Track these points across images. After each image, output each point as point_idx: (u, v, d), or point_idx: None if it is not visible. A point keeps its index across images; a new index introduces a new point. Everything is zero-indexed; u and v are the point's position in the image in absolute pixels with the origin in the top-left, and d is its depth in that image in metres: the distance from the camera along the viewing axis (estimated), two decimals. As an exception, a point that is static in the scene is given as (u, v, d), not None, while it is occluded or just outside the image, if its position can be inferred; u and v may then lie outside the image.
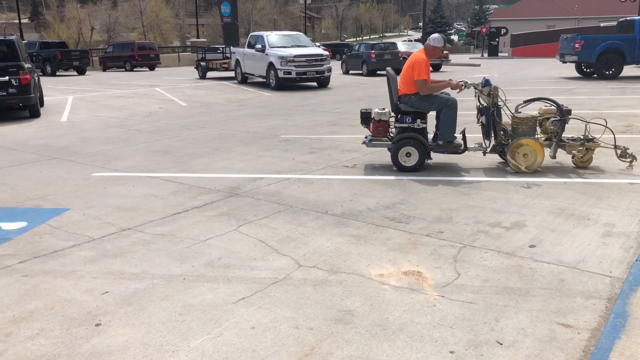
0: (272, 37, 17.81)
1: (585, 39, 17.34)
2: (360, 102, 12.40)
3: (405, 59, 24.40)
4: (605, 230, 3.97)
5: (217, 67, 21.94)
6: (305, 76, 16.38)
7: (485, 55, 42.19)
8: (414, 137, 5.76)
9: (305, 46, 17.64)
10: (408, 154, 5.80)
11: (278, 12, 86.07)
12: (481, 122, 5.91)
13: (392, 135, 6.05)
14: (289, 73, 16.06)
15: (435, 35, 5.93)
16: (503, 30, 42.83)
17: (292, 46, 17.22)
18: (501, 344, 2.53)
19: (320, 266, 3.42)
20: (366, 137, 6.09)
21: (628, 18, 18.41)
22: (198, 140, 8.03)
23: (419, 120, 5.84)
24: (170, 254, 3.65)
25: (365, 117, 6.02)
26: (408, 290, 3.08)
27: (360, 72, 23.02)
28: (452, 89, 5.85)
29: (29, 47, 26.87)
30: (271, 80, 16.76)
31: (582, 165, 5.88)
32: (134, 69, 30.94)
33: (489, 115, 5.78)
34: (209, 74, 22.72)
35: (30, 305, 2.96)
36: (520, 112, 5.89)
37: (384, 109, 5.99)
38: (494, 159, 6.34)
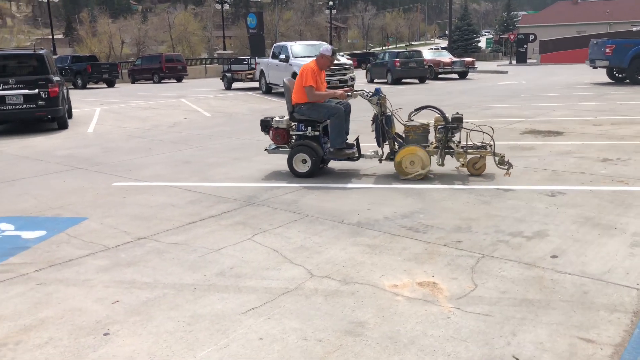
0: (296, 47, 17.89)
1: (616, 43, 16.91)
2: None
3: (431, 66, 24.30)
4: (634, 240, 3.80)
5: (242, 78, 22.15)
6: (328, 85, 16.34)
7: (514, 62, 41.56)
8: (307, 144, 5.93)
9: (328, 55, 17.65)
10: (304, 161, 5.93)
11: (304, 22, 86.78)
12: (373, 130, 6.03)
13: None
14: (313, 82, 16.06)
15: (325, 45, 6.20)
16: (531, 37, 42.12)
17: (315, 56, 17.25)
18: (517, 359, 2.42)
19: (332, 276, 3.35)
20: (270, 145, 6.31)
21: (661, 21, 17.87)
22: (219, 150, 8.07)
23: (309, 128, 6.00)
24: (183, 263, 3.63)
25: (265, 125, 6.26)
26: (422, 302, 2.99)
27: (385, 80, 22.92)
28: (338, 98, 6.01)
29: (61, 61, 27.66)
30: (295, 90, 16.79)
31: (475, 173, 5.82)
32: (162, 81, 31.49)
33: (378, 124, 5.87)
34: (235, 85, 22.95)
35: (41, 313, 2.97)
36: (412, 120, 5.97)
37: (283, 117, 6.21)
38: (523, 166, 6.17)
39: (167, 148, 8.42)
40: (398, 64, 21.97)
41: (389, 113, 5.93)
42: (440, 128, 5.83)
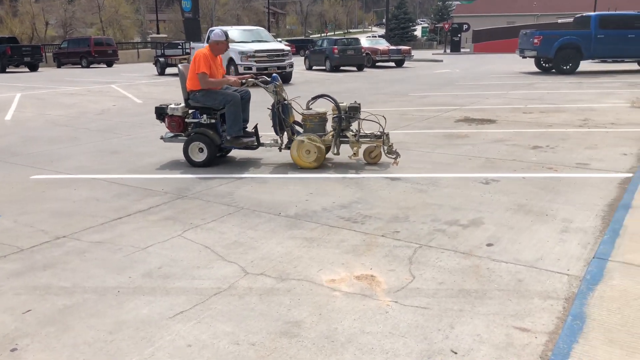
0: (233, 32, 17.42)
1: (543, 34, 17.60)
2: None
3: (368, 54, 24.44)
4: (563, 226, 3.89)
5: (176, 63, 21.36)
6: (266, 72, 16.05)
7: (448, 51, 42.61)
8: (203, 132, 5.76)
9: (266, 41, 17.35)
10: (201, 150, 5.81)
11: (242, 7, 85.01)
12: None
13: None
14: (250, 68, 15.73)
15: (216, 30, 5.96)
16: (465, 27, 43.33)
17: (252, 41, 16.91)
18: (456, 353, 2.38)
19: (268, 273, 3.20)
20: (166, 133, 6.12)
21: (584, 14, 18.78)
22: (150, 138, 7.68)
23: (205, 116, 5.84)
24: (107, 264, 3.37)
25: (160, 113, 6.05)
26: (360, 297, 2.90)
27: (324, 67, 22.84)
28: (231, 85, 5.90)
29: (-23, 43, 25.71)
30: (231, 76, 16.39)
31: (371, 162, 5.88)
32: (91, 66, 29.95)
33: (275, 112, 5.84)
34: (168, 70, 22.13)
35: (-60, 327, 2.65)
36: (310, 109, 5.95)
37: (179, 104, 6.04)
38: (447, 153, 6.24)
39: (93, 137, 7.93)
40: (336, 51, 21.92)
41: (285, 102, 5.85)
42: (334, 117, 5.79)
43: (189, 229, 3.97)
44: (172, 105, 5.98)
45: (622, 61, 19.52)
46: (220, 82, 5.79)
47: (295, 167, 5.74)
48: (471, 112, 9.67)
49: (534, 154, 6.17)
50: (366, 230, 3.88)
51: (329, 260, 3.38)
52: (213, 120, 5.85)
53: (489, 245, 3.57)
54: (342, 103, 5.89)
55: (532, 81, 15.58)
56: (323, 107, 6.06)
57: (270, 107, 5.90)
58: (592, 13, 18.10)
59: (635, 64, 19.55)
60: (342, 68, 22.83)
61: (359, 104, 5.95)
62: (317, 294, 2.94)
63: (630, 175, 5.12)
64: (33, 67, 26.69)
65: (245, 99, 6.00)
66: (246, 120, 6.02)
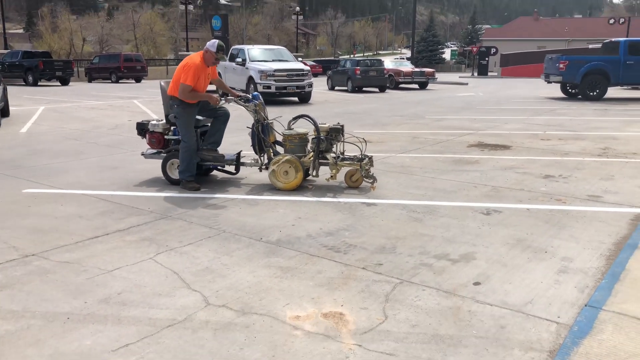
0: (254, 50, 17.52)
1: (569, 59, 17.15)
2: (337, 118, 12.02)
3: (391, 76, 24.27)
4: (562, 265, 3.57)
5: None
6: (285, 91, 16.05)
7: (475, 74, 42.16)
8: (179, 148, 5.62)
9: (286, 60, 17.35)
10: (179, 167, 5.61)
11: (273, 27, 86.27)
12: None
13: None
14: (269, 87, 15.71)
15: (212, 40, 5.67)
16: (493, 50, 42.88)
17: (273, 60, 16.93)
18: (414, 411, 2.11)
19: (230, 305, 2.99)
20: (147, 150, 6.01)
21: (613, 39, 18.28)
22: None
23: None
24: (66, 287, 3.20)
25: (141, 129, 5.97)
26: (322, 338, 2.66)
27: (346, 88, 22.74)
28: (211, 103, 5.62)
29: (11, 57, 26.52)
30: (251, 95, 16.41)
31: (352, 186, 5.62)
32: (120, 81, 30.55)
33: (254, 131, 5.69)
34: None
35: None
36: (292, 129, 5.77)
37: (160, 120, 5.91)
38: (456, 178, 5.95)
39: (99, 152, 7.91)
40: (358, 72, 21.81)
41: (265, 121, 5.70)
42: (313, 138, 5.62)
43: (163, 251, 3.79)
44: (154, 122, 5.91)
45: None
46: (200, 97, 5.50)
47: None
48: (486, 137, 9.34)
49: (544, 184, 5.84)
50: (347, 261, 3.64)
51: (299, 293, 3.15)
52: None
53: (475, 284, 3.29)
54: (324, 124, 5.72)
55: (556, 107, 15.13)
56: (305, 127, 5.89)
57: (251, 127, 5.78)
58: (621, 39, 17.59)
59: (668, 92, 18.86)
60: (364, 89, 22.69)
61: (342, 126, 5.80)
62: (277, 332, 2.71)
63: (644, 211, 4.76)
64: (64, 81, 27.29)
65: (221, 120, 5.84)
66: (217, 143, 5.84)
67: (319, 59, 56.54)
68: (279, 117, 6.02)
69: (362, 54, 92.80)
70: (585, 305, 2.87)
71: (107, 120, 12.11)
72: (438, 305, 3.00)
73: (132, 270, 3.47)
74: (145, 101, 17.28)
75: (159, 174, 6.32)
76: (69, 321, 2.79)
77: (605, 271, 3.44)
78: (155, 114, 13.32)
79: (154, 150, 5.98)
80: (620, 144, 8.46)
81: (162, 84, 5.94)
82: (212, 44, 5.49)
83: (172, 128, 5.87)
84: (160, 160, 5.91)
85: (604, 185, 5.79)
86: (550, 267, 3.54)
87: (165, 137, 5.87)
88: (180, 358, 2.46)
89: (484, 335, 2.69)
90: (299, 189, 5.55)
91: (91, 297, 3.08)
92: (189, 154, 5.50)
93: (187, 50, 42.05)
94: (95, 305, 2.97)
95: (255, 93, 5.90)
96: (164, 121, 5.90)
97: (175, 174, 5.73)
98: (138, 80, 31.51)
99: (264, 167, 5.79)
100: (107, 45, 63.32)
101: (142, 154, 6.07)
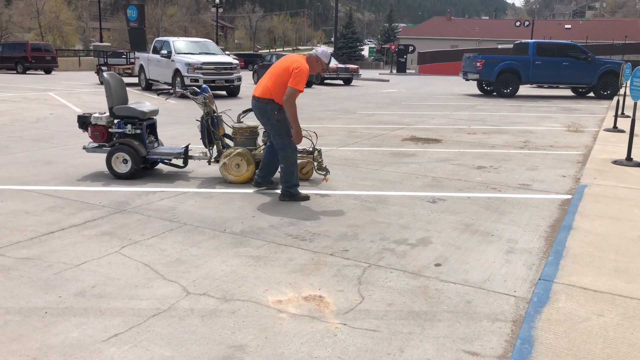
0: (179, 43, 17.11)
1: (485, 58, 18.29)
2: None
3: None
4: (509, 247, 3.93)
5: (120, 73, 20.73)
6: (213, 84, 15.81)
7: (394, 71, 43.62)
8: (127, 143, 5.59)
9: (214, 54, 17.11)
10: (125, 161, 5.63)
11: (189, 19, 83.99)
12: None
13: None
14: (196, 81, 15.42)
15: (325, 48, 5.32)
16: (410, 48, 44.56)
17: (200, 53, 16.63)
18: (406, 378, 2.30)
19: (211, 293, 3.04)
20: (89, 143, 5.93)
21: (523, 41, 19.69)
22: (89, 149, 7.29)
23: (130, 126, 5.68)
24: (34, 283, 3.10)
25: (83, 122, 5.81)
26: (308, 319, 2.79)
27: (272, 82, 22.71)
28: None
29: None
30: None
31: (303, 178, 5.73)
32: (27, 72, 28.57)
33: (203, 124, 5.80)
34: (112, 80, 21.39)
35: None
36: (242, 122, 5.95)
37: (103, 113, 5.86)
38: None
39: (26, 146, 7.47)
40: (285, 66, 21.87)
41: (215, 114, 5.76)
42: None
43: (127, 245, 3.74)
44: (96, 115, 5.72)
45: (557, 87, 20.58)
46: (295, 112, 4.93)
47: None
48: (417, 131, 9.83)
49: (478, 174, 6.30)
50: (314, 249, 3.78)
51: (276, 279, 3.26)
52: (138, 131, 5.66)
53: (437, 265, 3.56)
54: None
55: (474, 103, 16.11)
56: (255, 121, 5.95)
57: (200, 119, 5.76)
58: (530, 40, 19.00)
59: (569, 90, 20.65)
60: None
61: None
62: (263, 315, 2.81)
63: (569, 197, 5.30)
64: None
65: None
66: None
67: (240, 52, 55.87)
68: (228, 110, 6.02)
69: (281, 49, 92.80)
70: (539, 280, 3.21)
71: (25, 113, 11.38)
72: (407, 285, 3.23)
73: (100, 263, 3.40)
74: (62, 94, 16.36)
75: (100, 168, 6.13)
76: (47, 315, 2.72)
77: (547, 250, 3.84)
78: (78, 108, 12.70)
79: (96, 144, 5.78)
80: (538, 138, 9.23)
81: (107, 76, 5.74)
82: (325, 53, 4.97)
83: (115, 121, 5.71)
84: (104, 154, 5.73)
85: (531, 174, 6.34)
86: (499, 249, 3.89)
87: (110, 130, 5.69)
88: (174, 344, 2.49)
89: (454, 310, 2.95)
90: (250, 181, 5.60)
91: (64, 291, 3.00)
92: (294, 165, 4.97)
93: (101, 41, 40.04)
94: (71, 299, 2.91)
95: (204, 86, 5.87)
96: (107, 114, 5.72)
97: (121, 168, 5.58)
98: (48, 71, 29.67)
99: (213, 160, 5.78)
100: (7, 34, 58.77)
101: (84, 148, 5.84)
